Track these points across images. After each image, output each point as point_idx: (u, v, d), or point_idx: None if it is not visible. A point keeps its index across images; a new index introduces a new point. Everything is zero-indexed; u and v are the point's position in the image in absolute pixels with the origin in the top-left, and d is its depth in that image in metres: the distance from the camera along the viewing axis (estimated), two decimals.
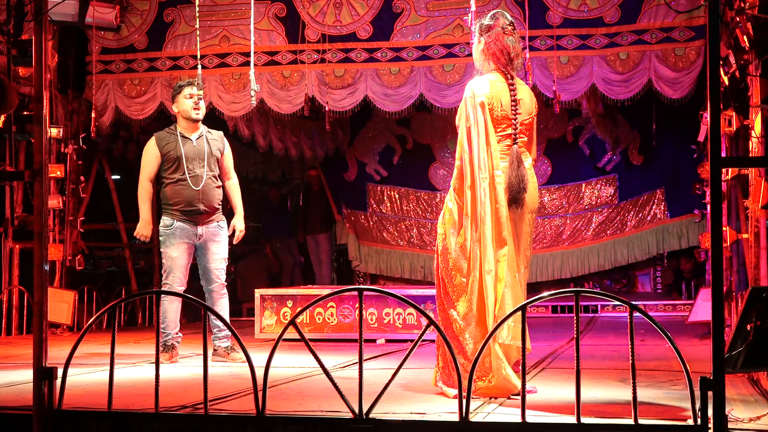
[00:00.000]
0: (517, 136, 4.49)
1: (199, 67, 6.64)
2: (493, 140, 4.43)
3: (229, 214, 6.54)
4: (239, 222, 6.55)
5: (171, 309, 6.26)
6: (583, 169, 12.47)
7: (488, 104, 4.45)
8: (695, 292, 10.42)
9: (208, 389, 3.77)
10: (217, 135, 6.58)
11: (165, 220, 6.33)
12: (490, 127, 4.43)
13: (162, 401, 3.84)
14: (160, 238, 6.36)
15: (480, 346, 3.79)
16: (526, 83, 8.17)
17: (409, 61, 8.71)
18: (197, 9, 8.48)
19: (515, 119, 4.48)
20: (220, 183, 6.44)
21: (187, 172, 6.25)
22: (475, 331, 4.35)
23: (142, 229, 6.45)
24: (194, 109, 6.38)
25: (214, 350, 6.23)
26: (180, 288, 6.20)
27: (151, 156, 6.38)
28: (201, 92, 6.48)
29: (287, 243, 12.73)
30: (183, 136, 6.36)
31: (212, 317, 6.03)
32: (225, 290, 6.41)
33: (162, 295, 5.96)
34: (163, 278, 6.30)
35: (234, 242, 6.58)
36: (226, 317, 6.34)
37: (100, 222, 11.19)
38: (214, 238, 6.35)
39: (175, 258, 6.23)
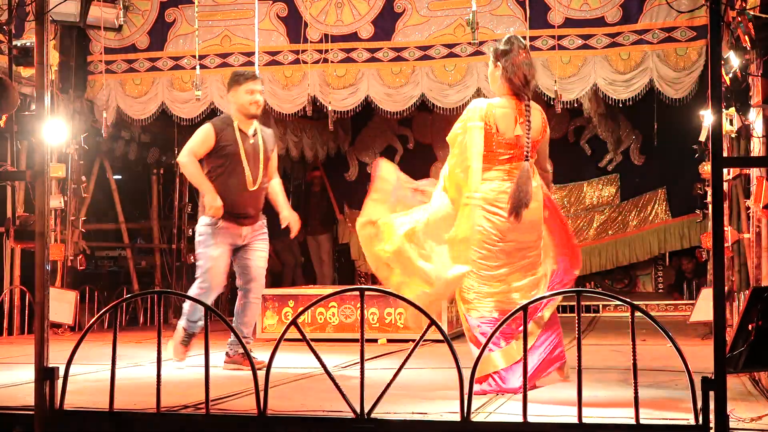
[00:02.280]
0: (529, 156, 4.65)
1: (257, 60, 6.43)
2: (475, 164, 4.65)
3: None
4: (290, 213, 6.19)
5: (240, 307, 5.95)
6: (584, 169, 12.46)
7: (485, 128, 4.66)
8: (696, 292, 10.40)
9: (210, 389, 3.77)
10: (270, 133, 6.22)
11: (206, 217, 5.87)
12: (477, 151, 4.66)
13: (164, 401, 3.84)
14: (199, 237, 5.91)
15: (483, 346, 3.79)
16: None
17: (411, 60, 8.71)
18: (196, 10, 8.53)
19: (528, 140, 4.65)
20: (267, 185, 6.11)
21: (246, 173, 5.85)
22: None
23: (215, 201, 5.75)
24: (253, 104, 5.93)
25: (227, 354, 5.91)
26: (217, 291, 5.92)
27: (204, 138, 5.87)
28: (262, 87, 6.10)
29: (288, 243, 12.73)
30: (241, 132, 5.92)
31: (237, 323, 5.90)
32: (260, 295, 6.12)
33: (197, 290, 5.77)
34: (198, 280, 5.88)
35: (292, 235, 6.30)
36: (253, 324, 6.13)
37: (101, 222, 11.20)
38: (259, 237, 6.02)
39: (216, 258, 5.81)
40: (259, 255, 6.01)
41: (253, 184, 5.89)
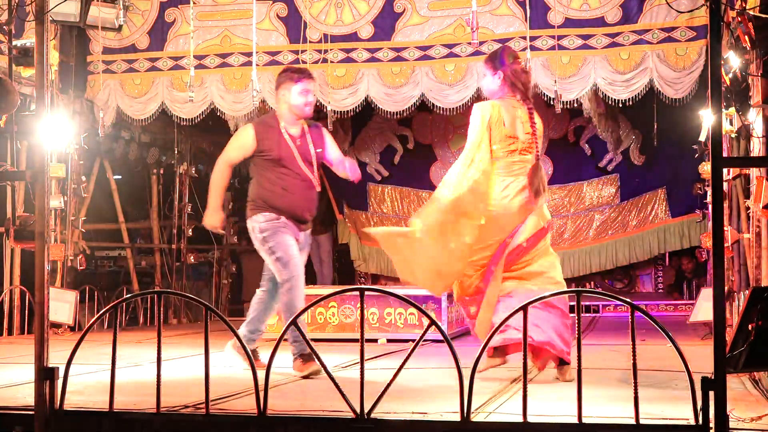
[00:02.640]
0: (538, 149, 5.16)
1: (254, 60, 6.29)
2: (481, 156, 5.09)
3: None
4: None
5: (263, 305, 5.67)
6: (584, 168, 12.46)
7: (494, 124, 5.05)
8: (696, 292, 10.42)
9: (210, 389, 3.78)
10: (319, 128, 5.81)
11: (267, 215, 5.49)
12: (483, 147, 5.08)
13: (163, 401, 3.84)
14: (263, 234, 5.48)
15: (483, 345, 3.79)
16: None
17: (411, 60, 8.71)
18: (191, 11, 8.53)
19: (536, 137, 5.16)
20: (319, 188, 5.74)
21: (295, 176, 5.53)
22: None
23: (211, 219, 5.61)
24: (308, 105, 5.60)
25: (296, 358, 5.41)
26: (303, 279, 5.49)
27: (244, 143, 5.59)
28: (313, 85, 5.75)
29: None
30: (288, 133, 5.59)
31: (259, 319, 5.66)
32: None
33: (287, 285, 5.40)
34: (283, 277, 5.44)
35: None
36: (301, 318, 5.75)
37: (101, 222, 11.20)
38: (307, 244, 5.75)
39: (291, 246, 5.44)
40: (303, 254, 5.67)
41: (305, 190, 5.56)
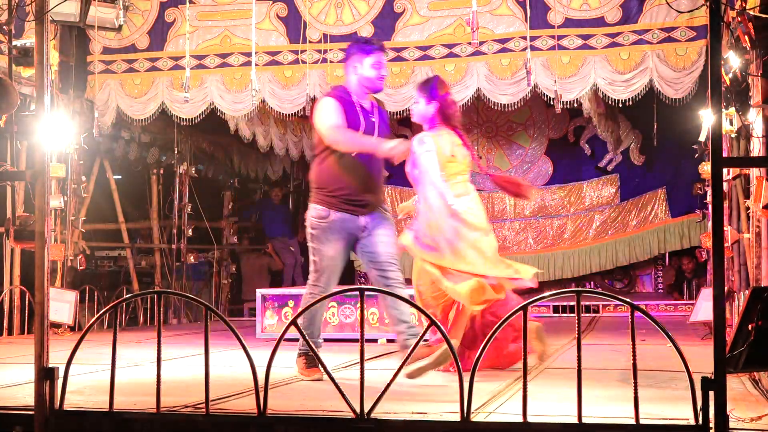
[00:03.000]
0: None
1: (254, 60, 6.38)
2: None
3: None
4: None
5: (319, 313, 5.46)
6: (584, 168, 12.48)
7: (436, 152, 5.47)
8: (696, 291, 10.42)
9: (210, 389, 3.77)
10: (382, 104, 5.58)
11: (318, 209, 5.22)
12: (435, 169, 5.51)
13: (163, 401, 3.84)
14: (312, 231, 5.25)
15: (483, 344, 3.79)
16: (528, 84, 8.23)
17: (411, 60, 8.71)
18: (188, 12, 8.53)
19: (468, 161, 5.61)
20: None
21: (365, 155, 5.18)
22: None
23: (400, 146, 5.16)
24: (381, 78, 5.33)
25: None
26: (330, 292, 5.24)
27: (336, 108, 5.19)
28: (386, 58, 5.43)
29: (288, 243, 12.74)
30: (361, 107, 5.29)
31: (397, 312, 5.25)
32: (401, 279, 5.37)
33: (310, 291, 5.21)
34: (311, 279, 5.29)
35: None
36: (406, 310, 5.25)
37: (101, 222, 11.20)
38: (381, 223, 5.34)
39: (332, 257, 5.23)
40: (383, 240, 5.31)
41: (371, 169, 5.26)
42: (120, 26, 9.09)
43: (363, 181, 5.25)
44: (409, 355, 3.83)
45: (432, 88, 5.59)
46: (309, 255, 5.38)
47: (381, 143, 5.15)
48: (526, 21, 8.25)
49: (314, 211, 5.25)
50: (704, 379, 3.39)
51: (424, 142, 5.47)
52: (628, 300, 3.70)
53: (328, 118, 5.16)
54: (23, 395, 4.34)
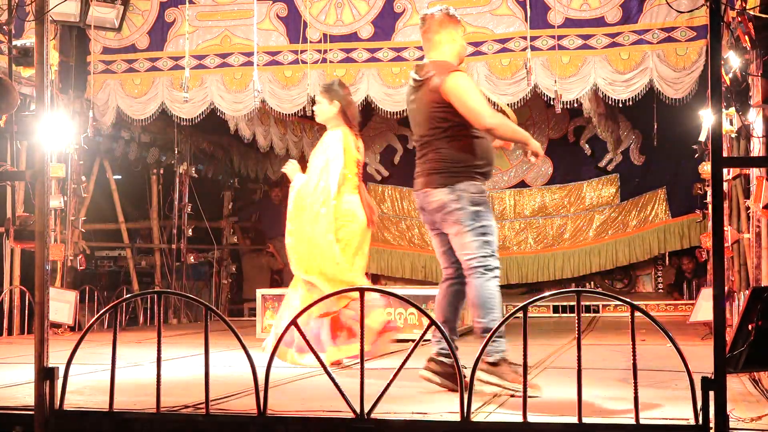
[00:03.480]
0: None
1: (255, 59, 6.43)
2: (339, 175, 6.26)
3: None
4: None
5: (451, 302, 4.82)
6: (584, 168, 12.48)
7: (347, 150, 6.10)
8: (696, 291, 10.42)
9: (210, 389, 3.77)
10: None
11: (477, 184, 4.71)
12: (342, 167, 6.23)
13: (163, 401, 3.84)
14: (477, 208, 4.65)
15: (484, 343, 3.79)
16: (528, 84, 8.22)
17: (411, 60, 8.70)
18: (187, 12, 8.53)
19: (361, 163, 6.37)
20: None
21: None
22: None
23: (535, 142, 4.79)
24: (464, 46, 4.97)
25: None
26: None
27: (477, 86, 4.85)
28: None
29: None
30: None
31: (454, 317, 4.81)
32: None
33: (495, 274, 4.61)
34: (492, 263, 4.63)
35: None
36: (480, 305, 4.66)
37: (101, 222, 11.21)
38: None
39: (496, 229, 4.77)
40: None
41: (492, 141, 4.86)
42: (120, 26, 9.08)
43: (493, 159, 4.90)
44: (409, 355, 3.82)
45: (332, 88, 6.12)
46: (473, 237, 4.65)
47: (530, 136, 4.81)
48: (526, 21, 8.26)
49: (473, 187, 4.68)
50: (704, 379, 3.39)
51: (335, 138, 6.17)
52: (628, 300, 3.70)
53: (482, 100, 4.69)
54: (23, 395, 4.34)
